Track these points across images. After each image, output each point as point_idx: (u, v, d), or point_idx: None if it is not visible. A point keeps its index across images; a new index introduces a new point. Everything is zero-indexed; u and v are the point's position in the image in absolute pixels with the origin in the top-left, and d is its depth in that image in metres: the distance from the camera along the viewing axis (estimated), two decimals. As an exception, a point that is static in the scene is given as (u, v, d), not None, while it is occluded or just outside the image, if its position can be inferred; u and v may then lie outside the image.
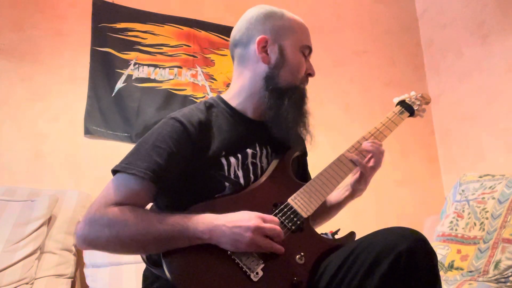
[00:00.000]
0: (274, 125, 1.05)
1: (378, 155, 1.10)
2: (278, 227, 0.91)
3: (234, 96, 1.10)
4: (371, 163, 1.11)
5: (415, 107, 1.24)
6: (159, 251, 0.88)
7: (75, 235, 0.93)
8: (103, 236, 0.88)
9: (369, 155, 1.11)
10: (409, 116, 1.24)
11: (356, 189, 1.16)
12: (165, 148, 0.94)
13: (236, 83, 1.11)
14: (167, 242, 0.87)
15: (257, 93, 1.06)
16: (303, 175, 1.22)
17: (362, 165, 1.09)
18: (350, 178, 1.16)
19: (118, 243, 0.89)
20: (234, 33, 1.13)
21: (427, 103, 1.29)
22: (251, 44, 1.08)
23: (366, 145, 1.10)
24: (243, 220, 0.88)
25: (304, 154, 1.20)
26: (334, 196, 1.21)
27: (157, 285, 0.95)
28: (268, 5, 1.12)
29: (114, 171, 0.95)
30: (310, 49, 1.11)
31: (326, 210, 1.22)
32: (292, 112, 1.04)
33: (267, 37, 1.07)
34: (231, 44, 1.14)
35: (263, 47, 1.06)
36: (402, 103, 1.24)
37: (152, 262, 0.96)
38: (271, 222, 0.91)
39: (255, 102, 1.07)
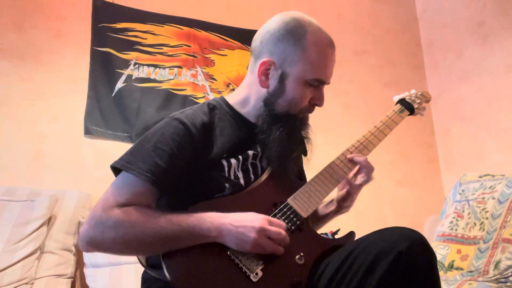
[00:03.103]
0: (261, 149, 1.03)
1: (369, 170, 1.06)
2: (284, 232, 0.90)
3: (239, 103, 1.08)
4: (358, 181, 1.07)
5: (415, 106, 1.22)
6: (165, 251, 0.88)
7: (79, 238, 0.92)
8: (109, 238, 0.87)
9: (355, 170, 1.08)
10: (409, 115, 1.22)
11: (342, 206, 1.13)
12: (166, 150, 0.93)
13: (243, 90, 1.10)
14: (174, 242, 0.87)
15: (258, 109, 1.05)
16: (300, 175, 1.22)
17: (350, 183, 1.06)
18: (336, 193, 1.14)
19: (125, 245, 0.88)
20: (253, 39, 1.08)
21: (428, 101, 1.28)
22: (258, 61, 1.03)
23: (357, 158, 1.06)
24: (249, 220, 0.88)
25: (303, 153, 1.19)
26: (319, 209, 1.18)
27: (157, 286, 0.95)
28: (295, 17, 1.02)
29: (114, 168, 0.95)
30: (321, 81, 1.03)
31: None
32: (279, 146, 1.00)
33: (272, 60, 1.01)
34: (251, 46, 1.10)
35: (266, 70, 1.02)
36: (402, 101, 1.23)
37: (150, 264, 0.96)
38: (277, 226, 0.91)
39: (258, 114, 1.06)
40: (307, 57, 1.00)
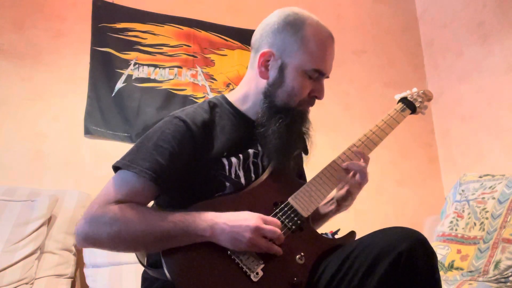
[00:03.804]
0: (261, 142, 1.03)
1: (362, 170, 1.05)
2: (278, 230, 0.90)
3: (239, 100, 1.08)
4: (357, 181, 1.06)
5: (417, 104, 1.22)
6: (160, 249, 0.88)
7: (75, 233, 0.93)
8: (104, 234, 0.88)
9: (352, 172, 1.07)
10: (411, 113, 1.22)
11: (342, 205, 1.12)
12: (167, 148, 0.94)
13: (243, 87, 1.10)
14: (168, 240, 0.87)
15: (259, 104, 1.05)
16: (301, 175, 1.21)
17: (350, 181, 1.05)
18: (336, 192, 1.13)
19: (119, 241, 0.88)
20: (253, 34, 1.09)
21: (429, 100, 1.27)
22: (258, 53, 1.04)
23: (348, 165, 1.05)
24: (244, 219, 0.88)
25: (304, 152, 1.19)
26: (319, 207, 1.17)
27: (156, 285, 0.95)
28: (294, 11, 1.03)
29: (116, 168, 0.95)
30: (320, 73, 1.03)
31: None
32: (278, 138, 0.99)
33: (272, 51, 1.02)
34: (251, 42, 1.10)
35: (266, 61, 1.02)
36: (403, 100, 1.23)
37: (150, 264, 0.96)
38: (272, 224, 0.91)
39: (258, 110, 1.05)
40: (306, 48, 1.00)
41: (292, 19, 1.02)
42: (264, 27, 1.05)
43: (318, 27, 1.03)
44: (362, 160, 1.08)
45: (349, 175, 1.07)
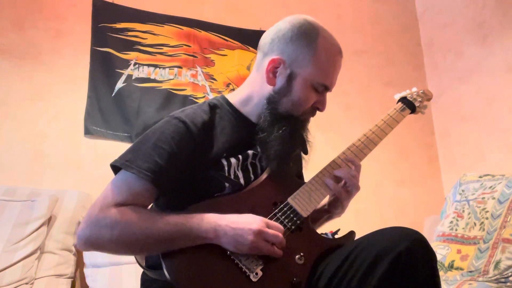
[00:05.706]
0: (260, 148, 1.02)
1: (351, 179, 1.03)
2: (280, 235, 0.90)
3: (241, 101, 1.08)
4: (347, 189, 1.04)
5: (417, 104, 1.22)
6: (161, 251, 0.88)
7: (76, 236, 0.92)
8: (105, 237, 0.87)
9: (343, 181, 1.04)
10: (410, 113, 1.22)
11: (333, 213, 1.10)
12: (166, 149, 0.93)
13: (246, 88, 1.09)
14: (170, 243, 0.87)
15: (261, 108, 1.05)
16: (299, 175, 1.21)
17: (338, 190, 1.03)
18: (328, 199, 1.11)
19: (121, 244, 0.88)
20: (262, 36, 1.08)
21: (429, 99, 1.27)
22: (267, 57, 1.03)
23: (338, 172, 1.03)
24: (247, 222, 0.88)
25: (303, 152, 1.19)
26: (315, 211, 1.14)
27: (156, 286, 0.95)
28: (308, 21, 1.03)
29: (114, 167, 0.95)
30: (326, 87, 1.04)
31: None
32: (280, 145, 0.99)
33: (282, 59, 1.01)
34: (258, 44, 1.10)
35: (275, 68, 1.02)
36: (403, 99, 1.22)
37: (148, 265, 0.95)
38: (275, 228, 0.91)
39: (259, 113, 1.05)
40: (317, 61, 1.01)
41: (305, 29, 1.02)
42: (276, 32, 1.04)
43: (330, 41, 1.04)
44: (353, 167, 1.06)
45: (340, 184, 1.04)
